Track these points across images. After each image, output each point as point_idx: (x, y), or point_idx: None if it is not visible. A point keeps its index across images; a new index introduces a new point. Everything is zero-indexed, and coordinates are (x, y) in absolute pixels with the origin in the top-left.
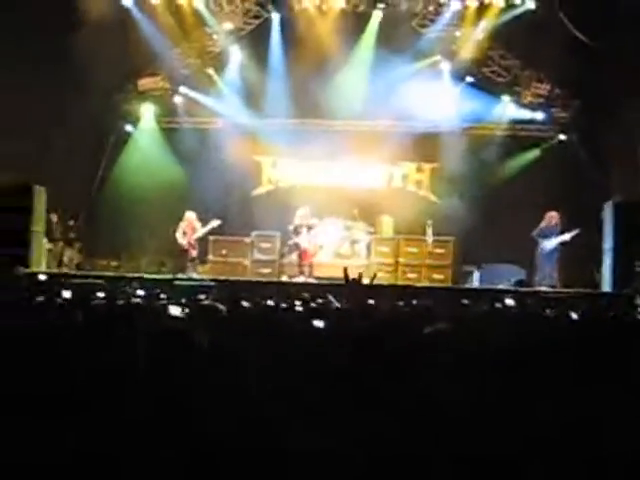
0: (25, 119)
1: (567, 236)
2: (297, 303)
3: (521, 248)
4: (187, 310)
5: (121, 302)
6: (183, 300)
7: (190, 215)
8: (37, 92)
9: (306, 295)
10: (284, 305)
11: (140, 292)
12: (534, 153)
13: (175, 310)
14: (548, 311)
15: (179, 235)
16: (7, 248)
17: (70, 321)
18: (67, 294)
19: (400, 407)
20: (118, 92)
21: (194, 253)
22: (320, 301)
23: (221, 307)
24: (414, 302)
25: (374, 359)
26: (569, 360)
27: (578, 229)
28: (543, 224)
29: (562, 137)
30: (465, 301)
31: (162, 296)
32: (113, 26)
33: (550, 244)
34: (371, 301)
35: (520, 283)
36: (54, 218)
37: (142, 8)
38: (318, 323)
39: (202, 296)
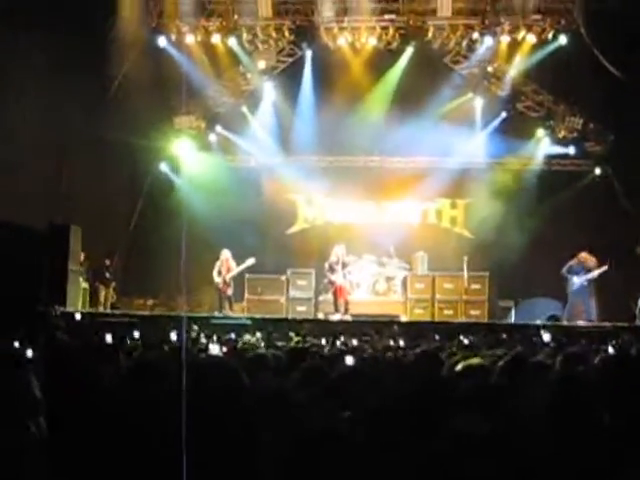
0: (62, 159)
1: (595, 273)
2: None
3: (558, 282)
4: (225, 349)
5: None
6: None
7: (225, 254)
8: (74, 132)
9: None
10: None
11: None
12: (570, 187)
13: (215, 349)
14: (583, 344)
15: (215, 274)
16: (44, 287)
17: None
18: (108, 337)
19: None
20: (154, 131)
21: (229, 291)
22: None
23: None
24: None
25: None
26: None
27: (606, 266)
28: (572, 261)
29: (598, 171)
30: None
31: (201, 335)
32: (149, 66)
33: (579, 280)
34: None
35: (553, 318)
36: (81, 257)
37: (177, 48)
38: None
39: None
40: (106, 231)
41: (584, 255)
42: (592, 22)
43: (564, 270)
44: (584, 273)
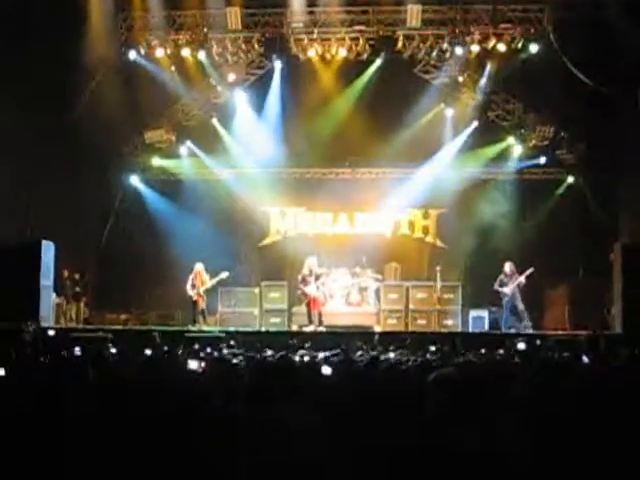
0: (35, 174)
1: (522, 278)
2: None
3: (528, 290)
4: (204, 364)
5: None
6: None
7: (199, 267)
8: (46, 147)
9: None
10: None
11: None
12: (542, 195)
13: (194, 364)
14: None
15: (188, 287)
16: (16, 303)
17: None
18: (77, 350)
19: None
20: (125, 145)
21: (203, 304)
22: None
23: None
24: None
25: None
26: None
27: (531, 269)
28: (501, 275)
29: (570, 180)
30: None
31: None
32: (119, 80)
33: (509, 290)
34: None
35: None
36: (65, 274)
37: (147, 61)
38: (326, 370)
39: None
40: (77, 246)
41: (507, 265)
42: (562, 31)
43: (496, 285)
44: (512, 282)
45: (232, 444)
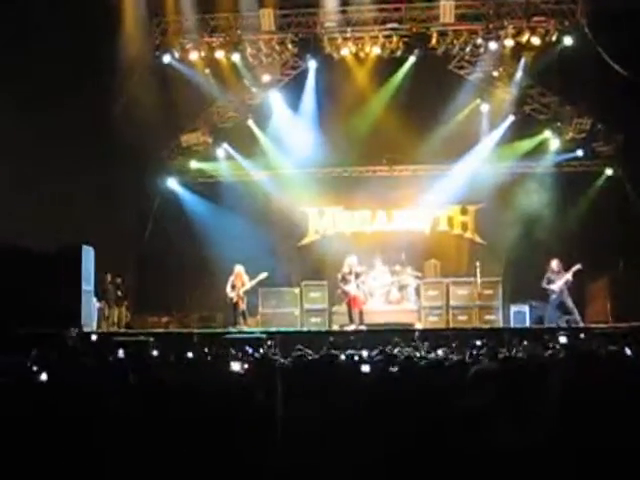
0: (75, 180)
1: (569, 275)
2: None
3: (571, 284)
4: (246, 365)
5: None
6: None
7: (239, 268)
8: (85, 155)
9: None
10: None
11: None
12: (580, 188)
13: (236, 366)
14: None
15: (228, 288)
16: (58, 308)
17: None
18: (120, 354)
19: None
20: (162, 149)
21: (243, 306)
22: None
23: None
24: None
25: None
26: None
27: (578, 265)
28: (548, 273)
29: (609, 172)
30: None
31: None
32: (154, 84)
33: (557, 287)
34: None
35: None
36: (108, 278)
37: (182, 64)
38: (365, 368)
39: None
40: (115, 249)
41: (553, 262)
42: (596, 22)
43: (543, 284)
44: (559, 279)
45: (274, 444)
